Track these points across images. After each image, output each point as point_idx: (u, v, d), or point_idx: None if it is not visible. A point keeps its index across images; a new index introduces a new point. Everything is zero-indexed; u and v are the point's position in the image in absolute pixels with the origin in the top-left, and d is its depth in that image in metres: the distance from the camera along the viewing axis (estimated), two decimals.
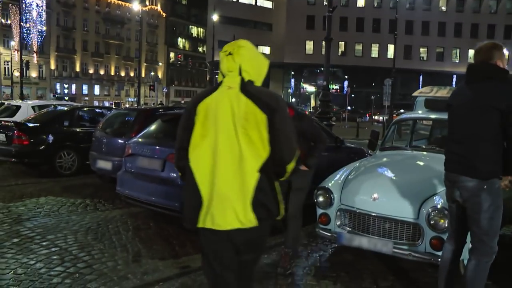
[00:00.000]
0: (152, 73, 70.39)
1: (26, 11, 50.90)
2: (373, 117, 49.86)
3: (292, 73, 66.94)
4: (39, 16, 55.38)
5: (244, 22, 63.16)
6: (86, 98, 66.99)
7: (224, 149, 2.40)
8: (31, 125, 10.04)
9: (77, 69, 68.09)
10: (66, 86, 66.63)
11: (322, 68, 52.01)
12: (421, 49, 65.31)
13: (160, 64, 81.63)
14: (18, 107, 13.20)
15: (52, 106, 11.87)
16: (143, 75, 55.54)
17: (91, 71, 70.04)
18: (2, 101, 16.88)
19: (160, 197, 5.66)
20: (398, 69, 35.55)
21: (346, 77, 57.14)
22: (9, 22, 55.47)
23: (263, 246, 2.66)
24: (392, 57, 36.22)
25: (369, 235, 4.52)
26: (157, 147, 5.99)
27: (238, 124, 2.40)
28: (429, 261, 4.21)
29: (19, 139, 9.64)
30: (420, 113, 6.54)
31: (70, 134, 10.12)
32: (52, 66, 64.25)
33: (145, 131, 6.61)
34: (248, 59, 2.53)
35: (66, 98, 56.04)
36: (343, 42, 60.89)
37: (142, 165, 6.06)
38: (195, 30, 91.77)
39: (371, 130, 6.75)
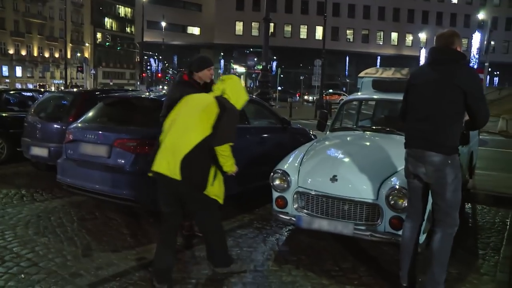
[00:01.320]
0: (79, 54, 67.06)
1: None
2: (304, 97, 50.62)
3: (222, 54, 66.45)
4: None
5: (174, 2, 61.70)
6: (7, 80, 62.44)
7: (181, 119, 3.65)
8: None
9: None
10: None
11: (251, 49, 52.12)
12: (347, 31, 67.20)
13: (87, 44, 78.09)
14: None
15: None
16: (69, 56, 52.83)
17: (11, 52, 65.40)
18: None
19: (107, 185, 5.32)
20: (326, 50, 36.17)
21: (275, 57, 57.44)
22: None
23: (200, 202, 3.72)
24: (320, 38, 36.66)
25: (328, 217, 4.50)
26: (101, 132, 5.61)
27: (199, 108, 3.63)
28: (389, 241, 4.27)
29: None
30: (359, 94, 6.62)
31: None
32: None
33: (86, 115, 6.15)
34: (231, 87, 3.80)
35: None
36: (272, 24, 60.99)
37: (85, 152, 5.63)
38: (123, 10, 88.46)
39: (319, 111, 6.76)
